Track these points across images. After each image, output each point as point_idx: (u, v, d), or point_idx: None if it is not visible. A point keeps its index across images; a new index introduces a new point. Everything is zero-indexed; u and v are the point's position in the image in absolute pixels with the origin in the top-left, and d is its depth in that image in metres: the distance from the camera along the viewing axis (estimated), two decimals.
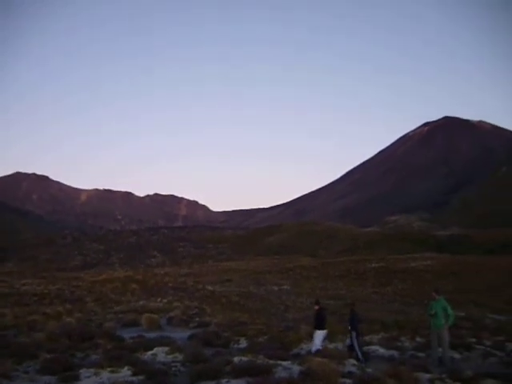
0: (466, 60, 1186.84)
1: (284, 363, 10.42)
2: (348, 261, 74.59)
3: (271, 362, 10.39)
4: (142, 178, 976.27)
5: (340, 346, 14.71)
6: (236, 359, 10.40)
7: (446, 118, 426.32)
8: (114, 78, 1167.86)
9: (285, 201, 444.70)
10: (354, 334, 12.55)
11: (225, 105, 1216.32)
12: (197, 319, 22.43)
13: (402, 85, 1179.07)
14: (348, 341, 12.93)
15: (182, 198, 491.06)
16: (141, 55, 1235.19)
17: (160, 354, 11.91)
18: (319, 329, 12.38)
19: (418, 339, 16.60)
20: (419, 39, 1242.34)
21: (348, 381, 8.45)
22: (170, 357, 11.58)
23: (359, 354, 12.28)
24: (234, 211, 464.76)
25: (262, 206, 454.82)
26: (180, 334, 16.53)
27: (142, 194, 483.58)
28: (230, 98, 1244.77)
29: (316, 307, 12.82)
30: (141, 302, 28.76)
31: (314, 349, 12.31)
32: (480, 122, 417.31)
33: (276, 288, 47.66)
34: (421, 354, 13.47)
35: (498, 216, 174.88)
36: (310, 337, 13.69)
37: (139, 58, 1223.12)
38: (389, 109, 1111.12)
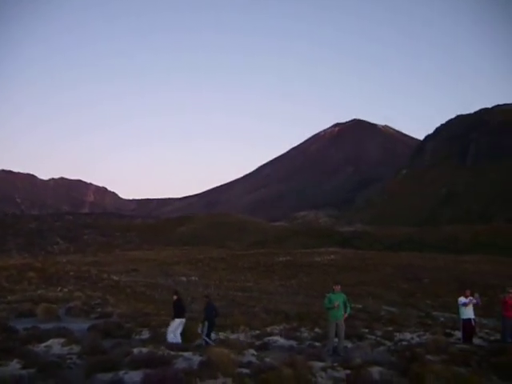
0: (377, 66, 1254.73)
1: (185, 354, 10.40)
2: (257, 253, 75.98)
3: (172, 353, 10.33)
4: (47, 161, 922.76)
5: (242, 336, 15.02)
6: (136, 350, 10.20)
7: (355, 120, 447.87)
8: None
9: (198, 192, 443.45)
10: (206, 323, 13.46)
11: (137, 90, 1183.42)
12: (99, 310, 21.70)
13: (317, 84, 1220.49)
14: (199, 329, 13.95)
15: (90, 184, 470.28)
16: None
17: (55, 345, 11.35)
18: (178, 317, 13.29)
19: (317, 330, 17.36)
20: (336, 43, 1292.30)
21: (245, 370, 8.65)
22: (65, 349, 11.08)
23: (206, 341, 13.21)
24: (144, 200, 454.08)
25: (174, 196, 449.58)
26: (79, 325, 15.88)
27: (46, 177, 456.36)
28: (146, 83, 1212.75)
29: (175, 297, 13.69)
30: (38, 292, 27.23)
31: (169, 337, 13.12)
32: (385, 126, 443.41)
33: (184, 279, 47.38)
34: (317, 344, 14.12)
35: (397, 215, 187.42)
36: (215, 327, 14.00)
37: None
38: (304, 107, 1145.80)
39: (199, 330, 13.85)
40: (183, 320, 13.42)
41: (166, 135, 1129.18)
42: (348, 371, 9.03)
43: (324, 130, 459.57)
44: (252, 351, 11.28)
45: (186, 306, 14.04)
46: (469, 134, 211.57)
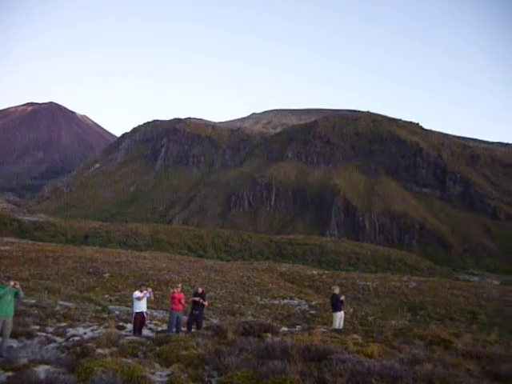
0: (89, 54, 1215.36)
1: None
2: None
3: None
4: None
5: None
6: None
7: (52, 103, 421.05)
8: None
9: None
10: None
11: None
12: None
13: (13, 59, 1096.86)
14: None
15: None
16: None
17: None
18: None
19: None
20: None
21: None
22: None
23: None
24: None
25: None
26: None
27: None
28: None
29: None
30: None
31: None
32: (84, 116, 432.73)
33: None
34: None
35: (85, 208, 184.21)
36: None
37: None
38: None
39: None
40: None
41: None
42: (10, 373, 8.32)
43: (15, 107, 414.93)
44: None
45: None
46: (161, 138, 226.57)
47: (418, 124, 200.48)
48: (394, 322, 32.15)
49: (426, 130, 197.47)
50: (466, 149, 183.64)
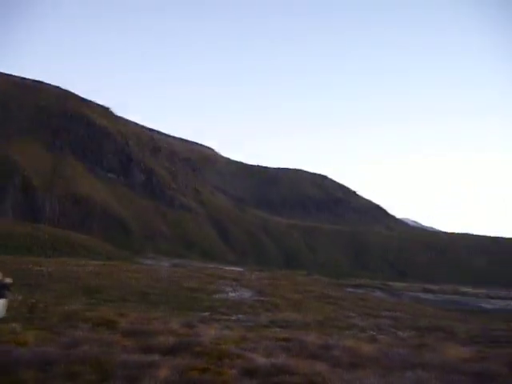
0: None
1: None
2: None
3: None
4: None
5: None
6: None
7: None
8: None
9: None
10: None
11: None
12: None
13: None
14: None
15: None
16: None
17: None
18: None
19: None
20: None
21: None
22: None
23: None
24: None
25: None
26: None
27: None
28: None
29: None
30: None
31: None
32: None
33: None
34: None
35: None
36: None
37: None
38: None
39: None
40: None
41: None
42: None
43: None
44: None
45: None
46: None
47: (109, 109, 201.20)
48: (66, 307, 31.46)
49: (117, 116, 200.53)
50: (151, 140, 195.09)
